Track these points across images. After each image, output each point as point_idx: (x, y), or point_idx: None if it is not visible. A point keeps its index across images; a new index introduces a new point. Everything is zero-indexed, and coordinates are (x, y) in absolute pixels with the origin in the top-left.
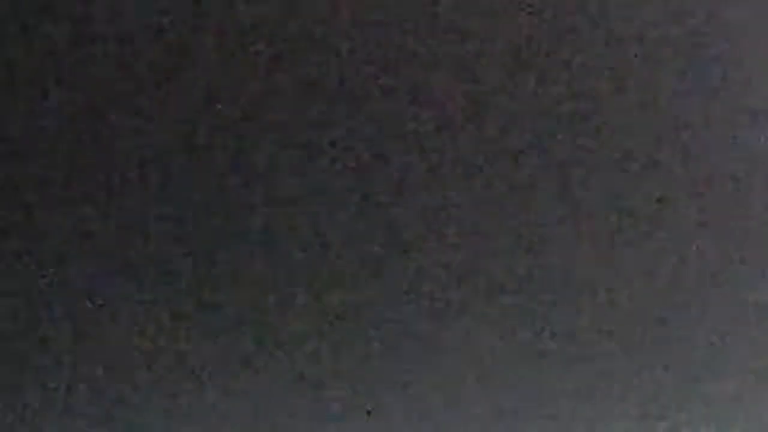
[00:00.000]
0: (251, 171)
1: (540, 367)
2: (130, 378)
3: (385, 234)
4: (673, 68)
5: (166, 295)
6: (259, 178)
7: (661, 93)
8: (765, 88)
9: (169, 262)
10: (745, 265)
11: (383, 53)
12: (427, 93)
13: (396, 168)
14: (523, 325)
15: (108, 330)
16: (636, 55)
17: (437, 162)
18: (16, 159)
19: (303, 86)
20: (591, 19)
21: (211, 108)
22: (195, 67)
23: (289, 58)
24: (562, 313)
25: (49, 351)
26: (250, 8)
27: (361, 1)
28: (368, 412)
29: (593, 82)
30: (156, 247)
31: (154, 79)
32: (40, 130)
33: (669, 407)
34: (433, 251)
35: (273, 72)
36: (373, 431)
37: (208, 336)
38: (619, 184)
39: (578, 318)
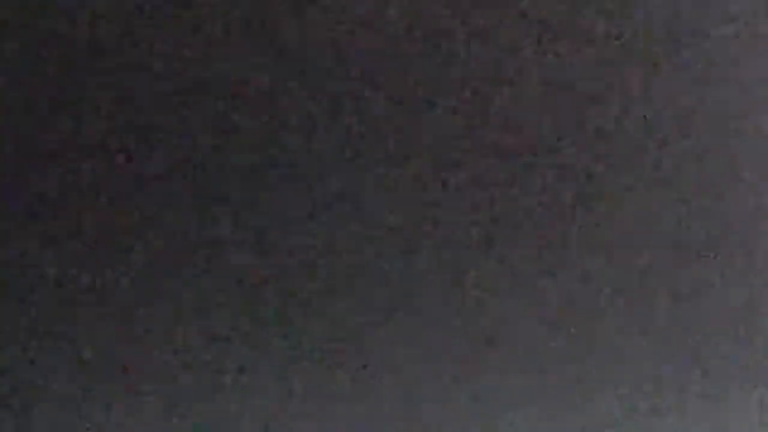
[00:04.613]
0: (251, 171)
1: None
2: (130, 378)
3: (382, 236)
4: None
5: (166, 295)
6: (259, 177)
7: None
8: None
9: (169, 264)
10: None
11: (385, 54)
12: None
13: (395, 168)
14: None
15: (108, 330)
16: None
17: (437, 162)
18: (19, 159)
19: (304, 87)
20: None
21: (212, 107)
22: (194, 66)
23: (290, 58)
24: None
25: (49, 350)
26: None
27: (363, 4)
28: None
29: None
30: (156, 248)
31: (154, 79)
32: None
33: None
34: (435, 254)
35: (274, 73)
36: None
37: (208, 337)
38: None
39: (585, 321)
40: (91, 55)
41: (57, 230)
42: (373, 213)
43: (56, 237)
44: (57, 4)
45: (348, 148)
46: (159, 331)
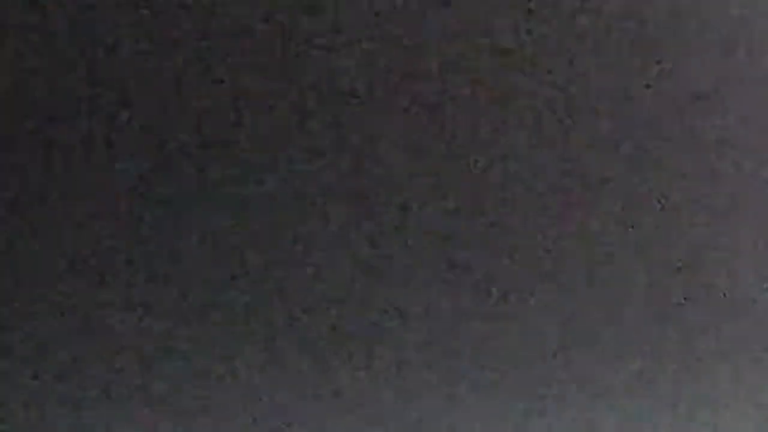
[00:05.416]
0: (252, 172)
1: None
2: (130, 377)
3: (383, 235)
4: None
5: (166, 295)
6: (258, 178)
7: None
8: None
9: (170, 264)
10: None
11: (383, 54)
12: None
13: (395, 168)
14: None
15: (109, 329)
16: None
17: (437, 163)
18: (19, 162)
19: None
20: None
21: (211, 108)
22: (194, 66)
23: (291, 60)
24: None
25: (50, 350)
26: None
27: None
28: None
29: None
30: (157, 248)
31: (156, 82)
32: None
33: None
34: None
35: (274, 73)
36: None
37: (208, 336)
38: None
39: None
40: (90, 54)
41: (56, 229)
42: (378, 209)
43: (54, 236)
44: (56, 3)
45: (350, 148)
46: (158, 332)
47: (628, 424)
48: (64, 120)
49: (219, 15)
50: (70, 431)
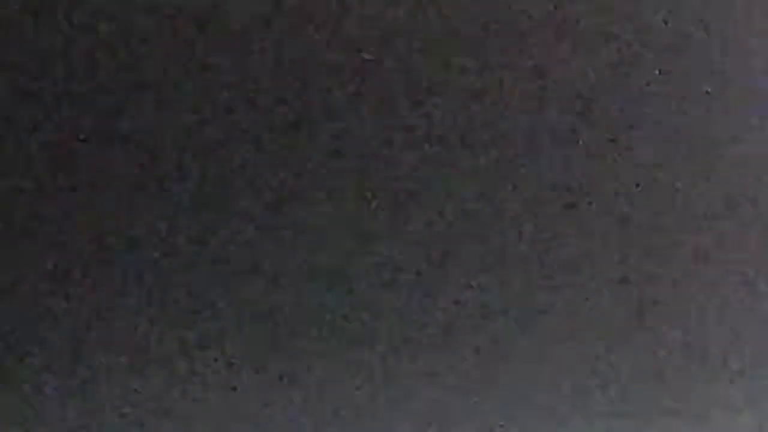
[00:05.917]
0: (253, 169)
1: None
2: (128, 378)
3: (386, 232)
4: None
5: (166, 294)
6: (259, 177)
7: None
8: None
9: (170, 262)
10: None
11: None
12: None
13: (395, 167)
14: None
15: (107, 328)
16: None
17: (437, 162)
18: (18, 161)
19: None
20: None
21: (212, 107)
22: (194, 67)
23: (289, 57)
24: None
25: (48, 350)
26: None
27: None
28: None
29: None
30: (157, 247)
31: (155, 80)
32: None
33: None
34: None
35: (274, 73)
36: (373, 430)
37: (208, 336)
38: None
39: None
40: (90, 53)
41: (56, 230)
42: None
43: (54, 236)
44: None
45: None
46: (157, 331)
47: None
48: (60, 117)
49: (215, 15)
50: (65, 428)
